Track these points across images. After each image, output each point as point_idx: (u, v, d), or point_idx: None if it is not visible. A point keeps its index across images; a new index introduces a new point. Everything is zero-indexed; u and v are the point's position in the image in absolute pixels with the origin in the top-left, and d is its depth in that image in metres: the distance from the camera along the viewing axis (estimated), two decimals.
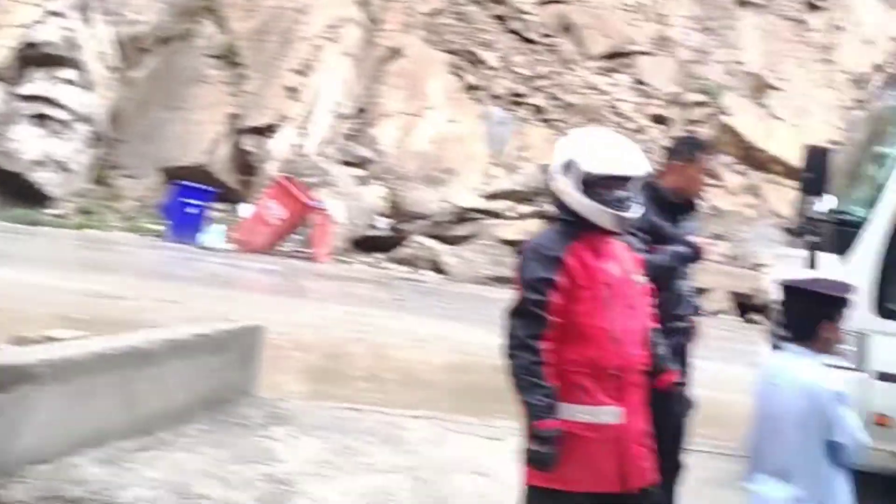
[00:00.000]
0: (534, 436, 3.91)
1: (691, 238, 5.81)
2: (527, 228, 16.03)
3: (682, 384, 4.50)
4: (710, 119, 23.50)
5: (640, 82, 24.31)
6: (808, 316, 4.03)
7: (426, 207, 18.93)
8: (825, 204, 6.84)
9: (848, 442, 3.90)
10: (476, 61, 23.40)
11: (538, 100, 23.15)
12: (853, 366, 6.62)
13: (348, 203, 19.03)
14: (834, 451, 3.91)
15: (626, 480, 4.05)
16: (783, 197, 19.18)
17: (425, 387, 9.09)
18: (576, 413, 3.97)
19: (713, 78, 24.49)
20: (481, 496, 6.15)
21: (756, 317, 15.35)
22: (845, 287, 4.17)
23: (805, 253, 6.91)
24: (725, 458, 7.01)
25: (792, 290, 4.16)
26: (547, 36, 24.26)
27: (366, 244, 18.69)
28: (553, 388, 3.93)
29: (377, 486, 6.06)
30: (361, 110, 21.76)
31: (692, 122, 23.51)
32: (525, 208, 19.34)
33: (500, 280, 16.44)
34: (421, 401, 8.53)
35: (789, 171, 19.33)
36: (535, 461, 3.94)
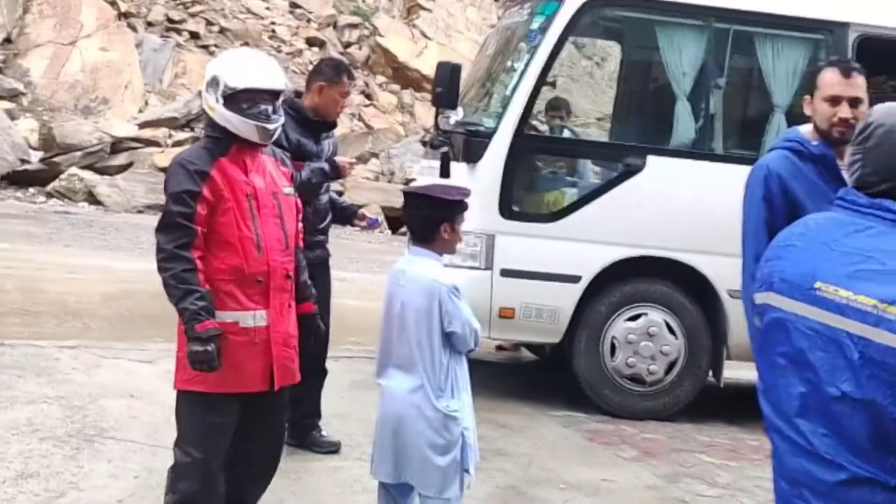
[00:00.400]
0: (195, 338, 4.04)
1: (336, 158, 6.09)
2: None
3: (317, 314, 4.72)
4: (364, 40, 23.90)
5: (296, 6, 24.33)
6: (428, 219, 4.24)
7: (80, 139, 18.26)
8: (455, 116, 7.26)
9: (463, 331, 4.17)
10: None
11: (194, 26, 22.75)
12: (481, 265, 7.14)
13: None
14: (451, 340, 4.19)
15: (272, 380, 4.28)
16: (432, 113, 19.84)
17: (79, 317, 8.94)
18: (223, 318, 4.13)
19: (367, 0, 24.85)
20: (132, 417, 6.21)
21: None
22: (459, 191, 4.40)
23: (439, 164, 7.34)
24: (371, 362, 7.39)
25: (412, 197, 4.43)
26: None
27: (18, 179, 17.88)
28: (208, 292, 4.08)
29: (26, 417, 5.99)
30: (8, 41, 20.64)
31: (347, 44, 23.82)
32: (182, 135, 19.04)
33: (157, 208, 16.21)
34: (74, 331, 8.40)
35: None
36: (199, 362, 4.05)
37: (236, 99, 4.19)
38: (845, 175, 2.79)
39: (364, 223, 6.39)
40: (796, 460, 2.55)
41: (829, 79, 4.25)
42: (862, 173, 2.64)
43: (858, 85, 4.24)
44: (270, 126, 4.25)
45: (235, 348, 4.15)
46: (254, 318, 4.21)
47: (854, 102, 4.16)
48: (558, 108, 8.76)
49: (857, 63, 4.37)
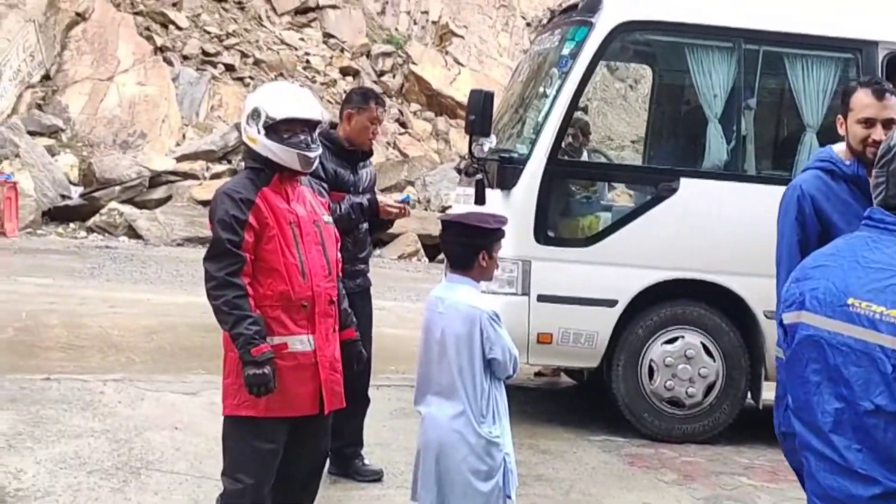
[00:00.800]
0: (251, 362, 4.13)
1: (378, 198, 6.09)
2: None
3: (359, 340, 4.79)
4: (398, 69, 24.06)
5: (329, 36, 24.54)
6: (466, 248, 4.29)
7: (119, 173, 18.54)
8: (489, 144, 7.30)
9: (504, 357, 4.22)
10: (166, 22, 22.97)
11: (230, 58, 23.00)
12: (518, 291, 7.18)
13: (39, 173, 18.38)
14: (491, 366, 4.25)
15: (320, 404, 4.37)
16: (467, 140, 19.81)
17: (122, 351, 9.07)
18: (272, 343, 4.21)
19: (400, 28, 25.03)
20: (177, 449, 6.28)
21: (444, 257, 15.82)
22: (497, 219, 4.45)
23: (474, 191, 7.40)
24: (412, 390, 7.44)
25: (450, 225, 4.49)
26: None
27: (59, 214, 18.17)
28: (260, 317, 4.19)
29: (73, 450, 6.09)
30: (47, 78, 20.98)
31: (381, 72, 23.98)
32: (219, 167, 19.27)
33: (196, 240, 16.38)
34: (117, 365, 8.53)
35: None
36: (256, 385, 4.15)
37: (277, 129, 4.33)
38: None
39: (399, 207, 6.16)
40: (831, 477, 2.58)
41: (863, 101, 4.26)
42: (886, 195, 2.69)
43: (892, 106, 4.26)
44: (311, 154, 4.39)
45: (284, 373, 4.24)
46: (301, 342, 4.32)
47: (888, 124, 4.18)
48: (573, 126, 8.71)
49: (889, 83, 4.39)
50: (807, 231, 4.22)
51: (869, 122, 4.21)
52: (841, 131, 4.37)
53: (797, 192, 4.34)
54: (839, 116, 4.39)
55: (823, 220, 4.23)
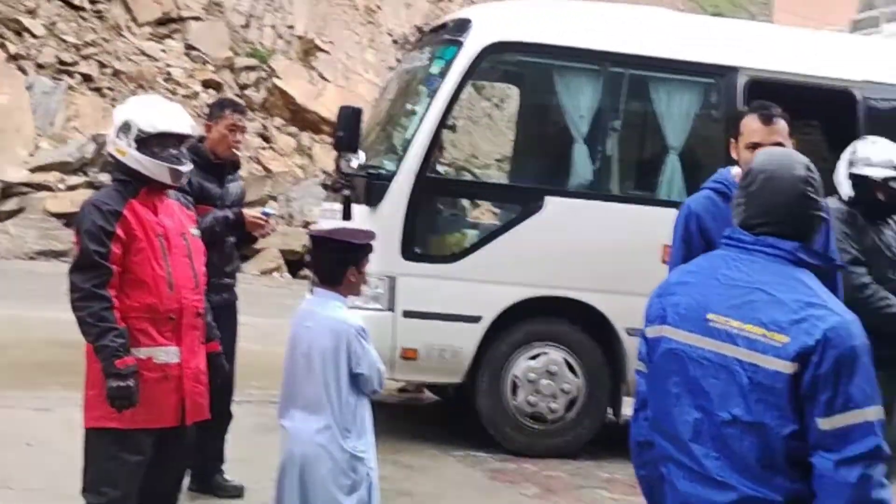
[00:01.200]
0: (114, 374, 4.11)
1: (244, 211, 6.01)
2: (76, 199, 15.50)
3: (222, 354, 4.75)
4: (261, 83, 23.83)
5: (192, 48, 24.18)
6: (334, 262, 4.33)
7: None
8: (357, 160, 7.30)
9: (370, 373, 4.26)
10: (20, 30, 22.32)
11: (87, 68, 22.45)
12: (384, 306, 7.18)
13: None
14: (357, 381, 4.26)
15: (184, 415, 4.35)
16: (332, 156, 19.77)
17: None
18: (137, 355, 4.21)
19: (264, 42, 24.82)
20: (33, 466, 6.12)
21: (307, 272, 15.81)
22: (366, 234, 4.51)
23: (341, 206, 7.38)
24: (274, 406, 7.35)
25: (318, 240, 4.50)
26: (95, 2, 23.54)
27: None
28: (125, 329, 4.17)
29: None
30: None
31: (244, 86, 23.73)
32: (75, 179, 18.73)
33: (50, 254, 15.89)
34: None
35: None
36: (118, 398, 4.12)
37: (148, 143, 4.33)
38: None
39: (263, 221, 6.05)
40: (689, 484, 2.69)
41: (751, 126, 4.39)
42: (746, 216, 2.81)
43: (779, 131, 4.38)
44: (182, 168, 4.41)
45: (149, 384, 4.22)
46: (167, 354, 4.30)
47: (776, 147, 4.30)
48: None
49: (778, 108, 4.49)
50: (692, 249, 4.32)
51: (757, 147, 4.33)
52: (734, 155, 4.50)
53: (685, 211, 4.51)
54: (731, 140, 4.51)
55: (708, 239, 4.34)
